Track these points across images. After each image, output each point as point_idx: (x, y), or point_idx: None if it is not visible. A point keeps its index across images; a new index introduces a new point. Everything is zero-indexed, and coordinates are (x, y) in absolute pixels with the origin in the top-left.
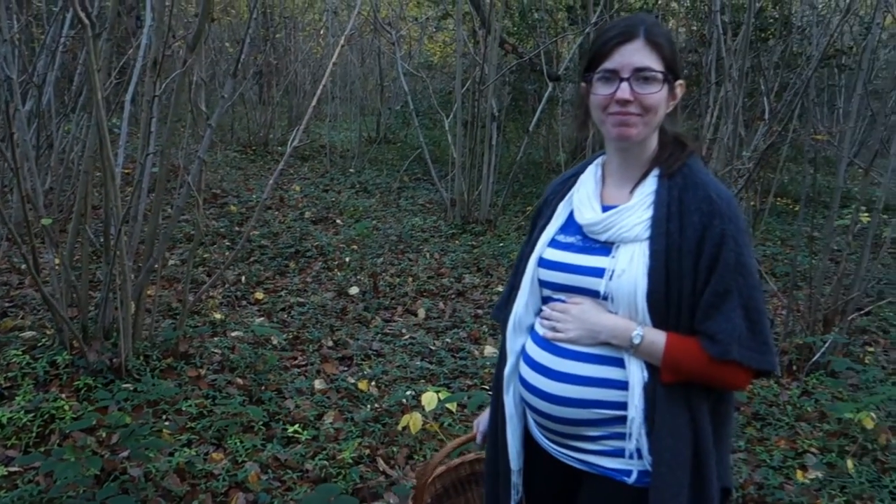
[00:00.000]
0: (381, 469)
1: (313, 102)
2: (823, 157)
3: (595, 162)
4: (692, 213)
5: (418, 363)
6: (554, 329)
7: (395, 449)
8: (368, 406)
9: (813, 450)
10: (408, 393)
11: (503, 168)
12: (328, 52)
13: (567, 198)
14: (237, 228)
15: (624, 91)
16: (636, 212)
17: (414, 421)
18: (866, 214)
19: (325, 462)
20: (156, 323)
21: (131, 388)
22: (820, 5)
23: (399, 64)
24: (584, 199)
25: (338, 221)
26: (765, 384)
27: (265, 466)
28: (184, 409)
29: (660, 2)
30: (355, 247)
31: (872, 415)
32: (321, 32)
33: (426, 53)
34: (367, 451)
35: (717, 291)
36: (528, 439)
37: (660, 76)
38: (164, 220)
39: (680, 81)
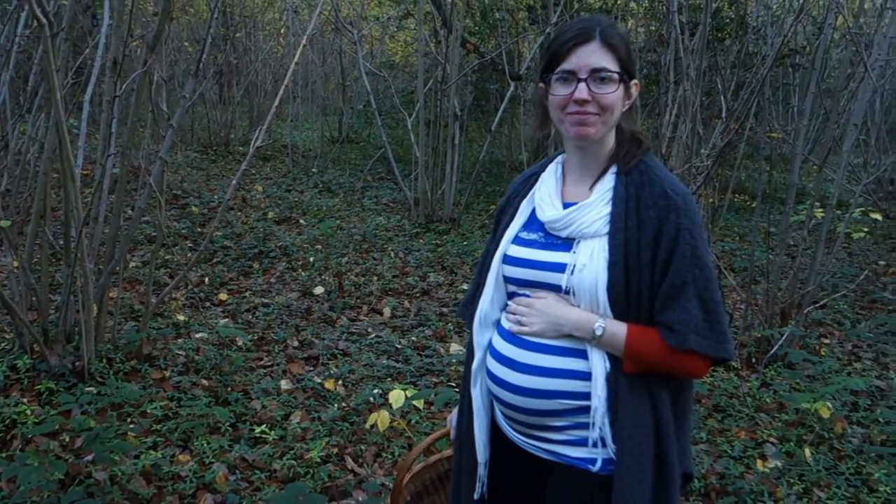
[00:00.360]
0: (349, 467)
1: (276, 102)
2: (778, 154)
3: (555, 160)
4: (649, 209)
5: (385, 362)
6: (519, 323)
7: (363, 447)
8: (335, 405)
9: (772, 440)
10: (375, 391)
11: (466, 167)
12: (289, 51)
13: (529, 196)
14: (199, 229)
15: (582, 91)
16: (595, 208)
17: (381, 419)
18: (820, 210)
19: (294, 462)
20: (118, 325)
21: (95, 392)
22: (774, 6)
23: (361, 63)
24: (545, 197)
25: (301, 221)
26: (725, 377)
27: (233, 467)
28: (149, 411)
29: (619, 2)
30: (319, 247)
31: (829, 404)
32: (281, 32)
33: (387, 53)
34: (335, 450)
35: (675, 283)
36: (495, 433)
37: (616, 76)
38: (126, 221)
39: (635, 81)
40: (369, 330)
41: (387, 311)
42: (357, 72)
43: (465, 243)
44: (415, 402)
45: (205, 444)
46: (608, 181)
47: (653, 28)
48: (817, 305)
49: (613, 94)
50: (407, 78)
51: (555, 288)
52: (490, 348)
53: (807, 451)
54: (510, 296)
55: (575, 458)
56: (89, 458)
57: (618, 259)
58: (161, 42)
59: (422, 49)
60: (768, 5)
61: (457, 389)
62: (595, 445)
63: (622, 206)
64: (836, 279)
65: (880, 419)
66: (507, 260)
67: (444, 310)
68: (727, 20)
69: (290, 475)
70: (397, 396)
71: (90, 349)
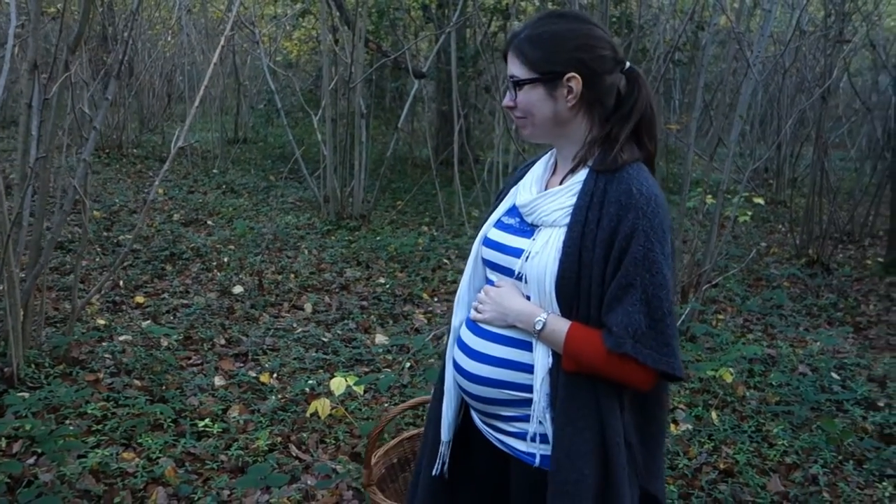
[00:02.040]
0: (294, 454)
1: (196, 103)
2: (665, 145)
3: (551, 151)
4: (611, 204)
5: (314, 354)
6: (476, 310)
7: (305, 435)
8: (273, 397)
9: (682, 406)
10: (310, 382)
11: (370, 164)
12: (180, 50)
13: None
14: (105, 233)
15: (506, 99)
16: (560, 198)
17: (323, 406)
18: (711, 197)
19: (241, 452)
20: (40, 330)
21: (28, 396)
22: (655, 5)
23: (265, 62)
24: (527, 184)
25: (209, 223)
26: None
27: (180, 461)
28: (88, 412)
29: (515, 2)
30: (232, 247)
31: (731, 370)
32: (171, 30)
33: (283, 51)
34: (279, 439)
35: (622, 284)
36: (467, 417)
37: (521, 81)
38: (49, 226)
39: (570, 75)
40: (294, 325)
41: (308, 307)
42: (252, 71)
43: (377, 238)
44: (355, 389)
45: (149, 441)
46: (581, 174)
47: None
48: (711, 284)
49: (524, 98)
50: (303, 76)
51: (511, 273)
52: (457, 331)
53: (713, 414)
54: (489, 280)
55: (520, 451)
56: (31, 461)
57: (571, 251)
58: (81, 43)
59: (326, 47)
60: (650, 4)
61: (393, 373)
62: (534, 440)
63: (587, 199)
64: (725, 260)
65: (773, 383)
66: (486, 242)
67: (365, 303)
68: (613, 19)
69: (238, 465)
70: (339, 384)
71: (19, 355)
